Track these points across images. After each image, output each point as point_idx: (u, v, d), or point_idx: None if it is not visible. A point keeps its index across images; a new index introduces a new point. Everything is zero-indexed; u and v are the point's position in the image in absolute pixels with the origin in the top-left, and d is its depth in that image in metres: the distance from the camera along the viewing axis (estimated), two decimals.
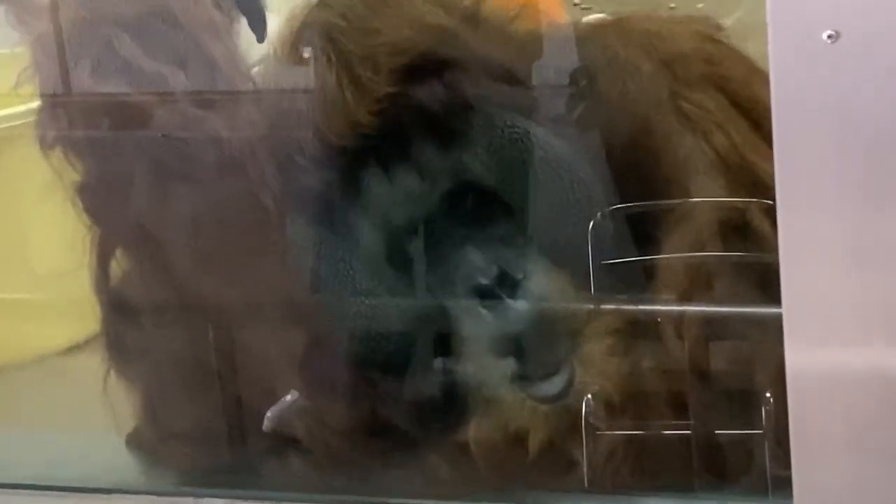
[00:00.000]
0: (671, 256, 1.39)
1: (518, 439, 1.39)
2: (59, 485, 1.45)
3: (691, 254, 1.38)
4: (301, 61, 1.42)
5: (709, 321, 1.37)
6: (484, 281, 1.38)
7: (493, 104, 1.44)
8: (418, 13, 1.45)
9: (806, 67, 1.00)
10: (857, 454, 1.08)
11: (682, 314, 1.39)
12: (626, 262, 1.39)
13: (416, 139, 1.41)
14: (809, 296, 1.06)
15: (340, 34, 1.38)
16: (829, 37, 0.98)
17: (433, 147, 1.42)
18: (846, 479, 1.09)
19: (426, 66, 1.39)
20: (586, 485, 1.36)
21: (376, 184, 1.42)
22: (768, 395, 1.22)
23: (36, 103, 1.55)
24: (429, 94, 1.39)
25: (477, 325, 1.41)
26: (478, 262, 1.40)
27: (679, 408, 1.36)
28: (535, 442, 1.38)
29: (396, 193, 1.43)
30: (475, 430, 1.40)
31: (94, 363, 1.58)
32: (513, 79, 1.47)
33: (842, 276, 1.04)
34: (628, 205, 1.41)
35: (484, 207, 1.45)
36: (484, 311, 1.39)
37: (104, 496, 1.44)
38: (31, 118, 1.59)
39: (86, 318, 1.81)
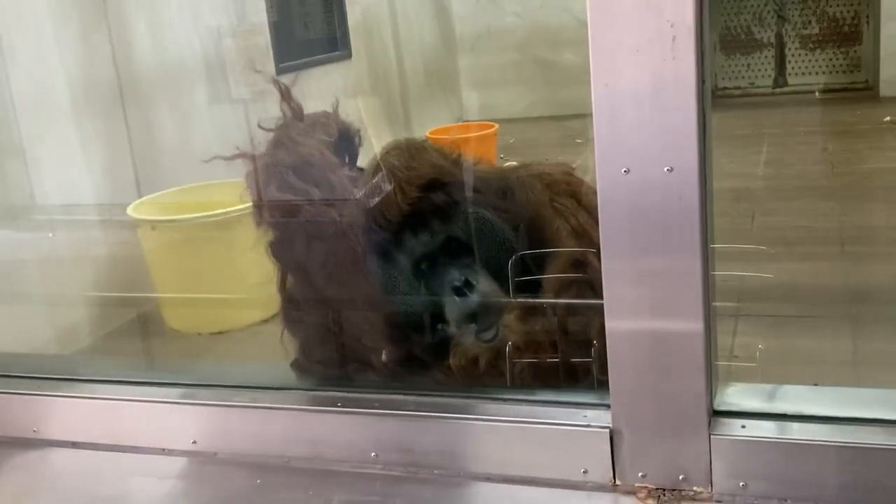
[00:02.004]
0: (548, 276, 1.66)
1: (474, 362, 1.66)
2: (256, 385, 1.70)
3: (558, 275, 1.65)
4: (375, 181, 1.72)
5: (568, 307, 1.63)
6: (457, 284, 1.68)
7: (467, 202, 1.72)
8: (432, 159, 1.74)
9: (614, 187, 1.27)
10: (639, 369, 1.35)
11: (555, 304, 1.65)
12: (528, 279, 1.65)
13: (430, 218, 1.72)
14: (617, 295, 1.33)
15: (396, 169, 1.71)
16: (625, 171, 1.25)
17: (437, 221, 1.72)
18: (633, 380, 1.36)
19: (435, 184, 1.71)
20: (508, 384, 1.64)
21: (409, 238, 1.72)
22: (595, 342, 1.46)
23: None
24: (435, 197, 1.71)
25: (454, 306, 1.69)
26: (455, 275, 1.68)
27: (554, 348, 1.62)
28: (482, 363, 1.66)
29: (419, 242, 1.72)
30: (453, 357, 1.68)
31: (275, 329, 1.86)
32: (477, 190, 1.74)
33: (632, 286, 1.31)
34: (530, 252, 1.69)
35: (460, 249, 1.72)
36: (458, 300, 1.68)
37: (278, 391, 1.68)
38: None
39: (271, 307, 2.09)
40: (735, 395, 1.43)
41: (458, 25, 6.65)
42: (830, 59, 7.53)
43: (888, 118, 5.91)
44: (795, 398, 1.44)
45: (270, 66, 4.49)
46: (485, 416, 1.51)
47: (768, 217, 3.85)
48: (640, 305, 1.32)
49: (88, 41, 3.52)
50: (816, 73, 7.55)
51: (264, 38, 4.50)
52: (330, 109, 1.89)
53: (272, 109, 4.76)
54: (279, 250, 1.77)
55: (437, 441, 1.50)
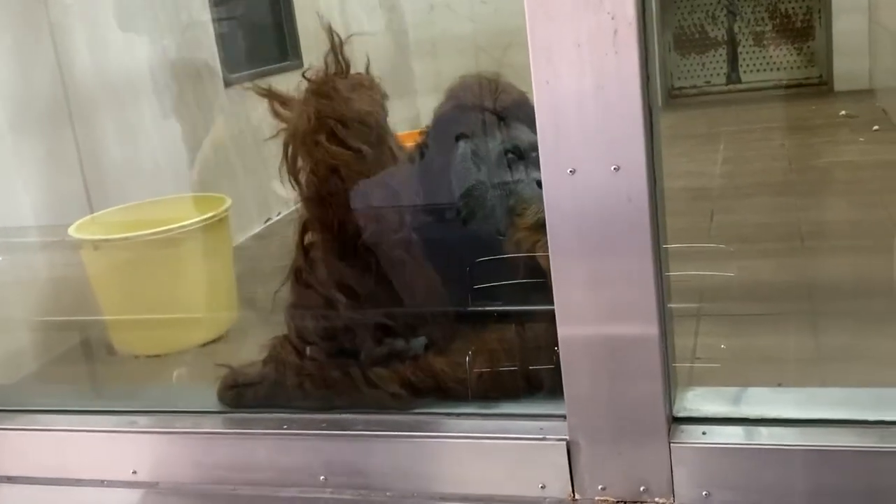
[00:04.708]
0: None
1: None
2: (201, 409, 1.64)
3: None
4: None
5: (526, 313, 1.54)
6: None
7: None
8: None
9: (560, 188, 1.22)
10: (594, 376, 1.30)
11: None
12: None
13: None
14: (568, 300, 1.28)
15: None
16: (571, 172, 1.22)
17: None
18: (588, 389, 1.32)
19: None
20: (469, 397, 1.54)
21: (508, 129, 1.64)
22: (556, 348, 1.35)
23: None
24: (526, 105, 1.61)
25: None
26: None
27: (513, 354, 1.54)
28: None
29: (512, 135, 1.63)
30: (520, 220, 1.55)
31: (224, 348, 1.86)
32: None
33: (583, 290, 1.26)
34: None
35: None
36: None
37: (221, 415, 1.63)
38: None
39: (220, 326, 1.99)
40: (695, 400, 1.40)
41: (412, 31, 6.59)
42: (784, 56, 7.58)
43: (843, 112, 5.95)
44: (757, 401, 1.42)
45: (219, 78, 4.41)
46: (437, 433, 1.47)
47: (727, 215, 3.83)
48: (593, 310, 1.28)
49: (29, 58, 3.42)
50: (770, 69, 7.60)
51: (211, 50, 4.42)
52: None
53: (221, 124, 4.65)
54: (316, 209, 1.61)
55: (389, 461, 1.45)
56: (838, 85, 6.87)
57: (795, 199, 4.07)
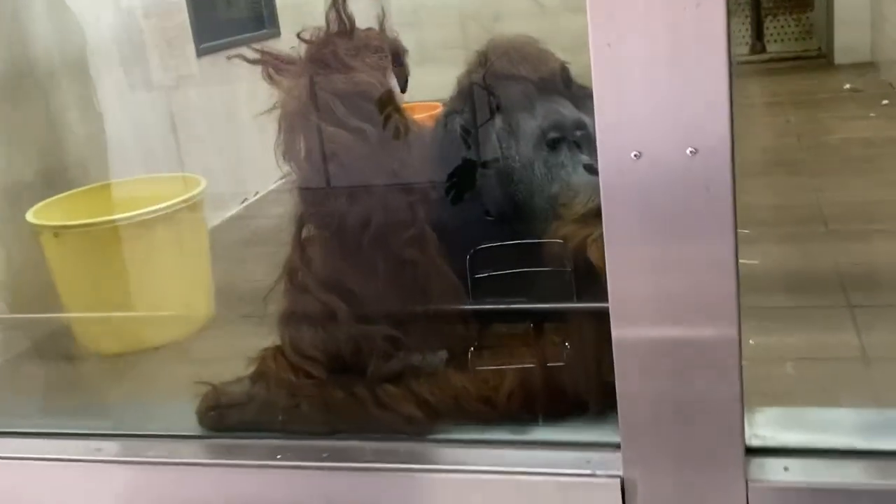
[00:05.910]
0: None
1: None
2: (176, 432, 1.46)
3: None
4: None
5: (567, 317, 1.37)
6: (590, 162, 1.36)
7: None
8: None
9: (621, 175, 1.06)
10: (657, 394, 1.12)
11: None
12: None
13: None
14: (624, 301, 1.10)
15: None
16: (635, 156, 1.05)
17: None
18: (649, 411, 1.14)
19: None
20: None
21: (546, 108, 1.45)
22: (567, 343, 1.27)
23: None
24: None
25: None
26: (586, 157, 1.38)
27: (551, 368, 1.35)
28: None
29: (553, 115, 1.46)
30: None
31: (200, 346, 1.67)
32: None
33: (645, 288, 1.09)
34: None
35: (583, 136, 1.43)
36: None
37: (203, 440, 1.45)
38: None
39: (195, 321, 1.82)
40: (771, 426, 1.23)
41: None
42: (781, 27, 7.40)
43: (848, 85, 5.77)
44: (842, 427, 1.26)
45: (191, 47, 4.15)
46: (461, 467, 1.27)
47: (740, 196, 3.62)
48: (657, 313, 1.10)
49: None
50: (768, 41, 7.42)
51: (183, 18, 4.16)
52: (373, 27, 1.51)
53: (194, 96, 4.38)
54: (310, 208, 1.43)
55: (403, 499, 1.28)
56: (839, 58, 6.69)
57: (810, 179, 3.88)
